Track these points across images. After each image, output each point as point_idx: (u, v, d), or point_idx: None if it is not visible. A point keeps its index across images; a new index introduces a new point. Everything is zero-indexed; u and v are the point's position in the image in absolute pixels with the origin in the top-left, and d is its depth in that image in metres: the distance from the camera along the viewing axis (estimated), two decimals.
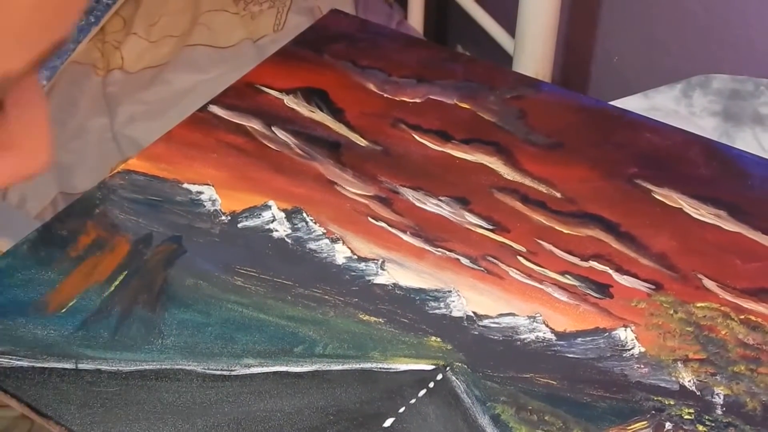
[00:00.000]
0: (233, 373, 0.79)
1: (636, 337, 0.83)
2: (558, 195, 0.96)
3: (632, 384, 0.79)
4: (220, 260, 0.89)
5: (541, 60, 1.50)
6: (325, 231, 0.92)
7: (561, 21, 1.50)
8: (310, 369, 0.80)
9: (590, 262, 0.89)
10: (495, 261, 0.89)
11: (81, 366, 0.80)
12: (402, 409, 0.77)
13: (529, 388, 0.79)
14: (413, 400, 0.78)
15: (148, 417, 0.76)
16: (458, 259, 0.90)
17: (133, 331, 0.82)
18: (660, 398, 0.78)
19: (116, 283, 0.86)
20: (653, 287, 0.87)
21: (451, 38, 2.03)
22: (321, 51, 1.15)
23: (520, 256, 0.90)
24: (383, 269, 0.88)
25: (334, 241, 0.91)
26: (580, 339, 0.83)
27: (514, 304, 0.85)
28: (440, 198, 0.96)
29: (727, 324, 0.84)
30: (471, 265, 0.89)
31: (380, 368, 0.80)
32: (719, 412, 0.78)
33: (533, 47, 1.50)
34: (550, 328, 0.84)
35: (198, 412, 0.77)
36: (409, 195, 0.96)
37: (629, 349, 0.82)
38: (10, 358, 0.80)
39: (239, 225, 0.93)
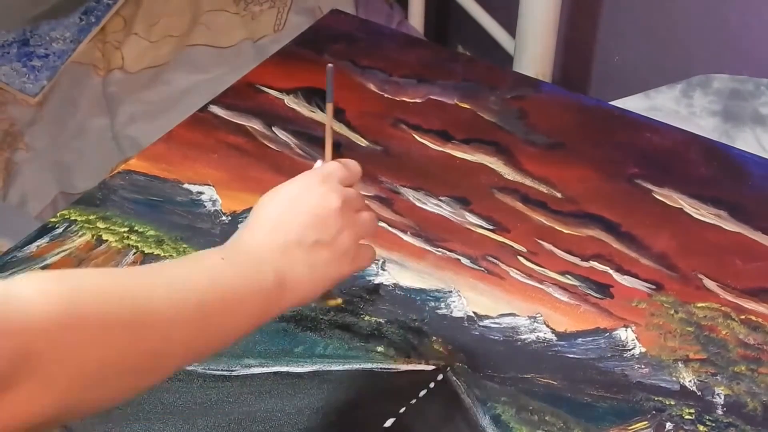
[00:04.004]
0: (234, 373, 0.79)
1: (636, 338, 0.83)
2: (558, 195, 0.96)
3: (633, 384, 0.79)
4: None
5: (541, 60, 1.51)
6: None
7: (561, 21, 1.50)
8: (310, 369, 0.80)
9: (591, 262, 0.89)
10: (495, 261, 0.89)
11: None
12: (402, 410, 0.77)
13: (530, 389, 0.79)
14: (414, 401, 0.78)
15: (149, 417, 0.76)
16: (459, 259, 0.90)
17: None
18: (661, 398, 0.78)
19: None
20: (654, 287, 0.87)
21: (451, 38, 2.03)
22: (321, 51, 1.15)
23: (521, 256, 0.90)
24: (384, 269, 0.88)
25: None
26: (580, 339, 0.83)
27: (514, 305, 0.85)
28: (441, 198, 0.96)
29: (728, 324, 0.84)
30: (471, 265, 0.89)
31: (381, 368, 0.80)
32: (720, 412, 0.77)
33: (534, 47, 1.50)
34: (551, 329, 0.84)
35: (198, 412, 0.76)
36: (410, 195, 0.96)
37: (630, 350, 0.82)
38: None
39: (240, 225, 0.92)
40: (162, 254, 0.89)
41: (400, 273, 0.88)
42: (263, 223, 0.68)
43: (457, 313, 0.85)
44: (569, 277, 0.88)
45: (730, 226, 0.93)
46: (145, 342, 0.56)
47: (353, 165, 0.75)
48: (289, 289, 0.66)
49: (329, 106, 0.74)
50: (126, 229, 0.92)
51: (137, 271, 0.66)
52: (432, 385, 0.79)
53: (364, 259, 0.73)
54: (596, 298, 0.86)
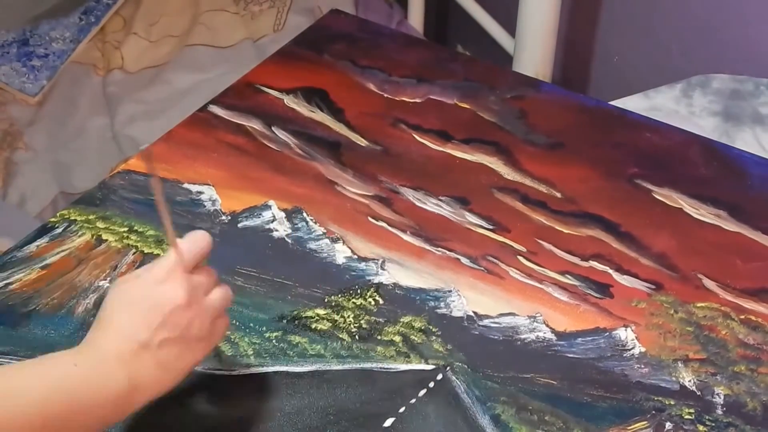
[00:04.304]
0: (233, 373, 0.79)
1: (636, 337, 0.83)
2: (558, 195, 0.96)
3: (632, 384, 0.79)
4: (220, 260, 0.88)
5: (541, 60, 1.50)
6: (325, 231, 0.92)
7: (561, 21, 1.50)
8: (310, 369, 0.80)
9: (590, 262, 0.89)
10: (495, 261, 0.89)
11: None
12: (402, 409, 0.77)
13: (530, 388, 0.79)
14: (413, 400, 0.78)
15: (149, 417, 0.76)
16: (458, 259, 0.89)
17: None
18: (660, 398, 0.78)
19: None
20: (653, 287, 0.87)
21: (451, 38, 2.03)
22: (321, 51, 1.15)
23: (521, 255, 0.90)
24: (383, 269, 0.88)
25: (334, 240, 0.91)
26: (580, 339, 0.83)
27: (514, 304, 0.85)
28: (440, 198, 0.96)
29: (728, 324, 0.84)
30: (471, 264, 0.89)
31: (380, 368, 0.80)
32: (719, 411, 0.77)
33: (533, 47, 1.49)
34: (551, 328, 0.84)
35: (198, 411, 0.76)
36: (410, 195, 0.96)
37: (629, 349, 0.82)
38: (11, 358, 0.80)
39: (239, 225, 0.92)
40: (161, 254, 0.89)
41: (399, 272, 0.88)
42: (114, 326, 0.69)
43: (456, 313, 0.85)
44: (569, 276, 0.88)
45: (730, 225, 0.93)
46: None
47: (200, 239, 0.74)
48: (142, 390, 0.68)
49: (155, 183, 0.71)
50: (126, 228, 0.92)
51: None
52: (432, 384, 0.79)
53: (219, 335, 0.73)
54: (596, 297, 0.86)
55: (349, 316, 0.84)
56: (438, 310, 0.85)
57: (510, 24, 1.57)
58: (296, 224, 0.92)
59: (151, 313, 0.69)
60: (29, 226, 1.02)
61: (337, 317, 0.84)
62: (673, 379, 0.80)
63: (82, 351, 0.67)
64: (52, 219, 0.93)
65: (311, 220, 0.93)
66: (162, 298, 0.69)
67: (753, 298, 0.86)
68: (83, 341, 0.68)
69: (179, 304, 0.69)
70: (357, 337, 0.82)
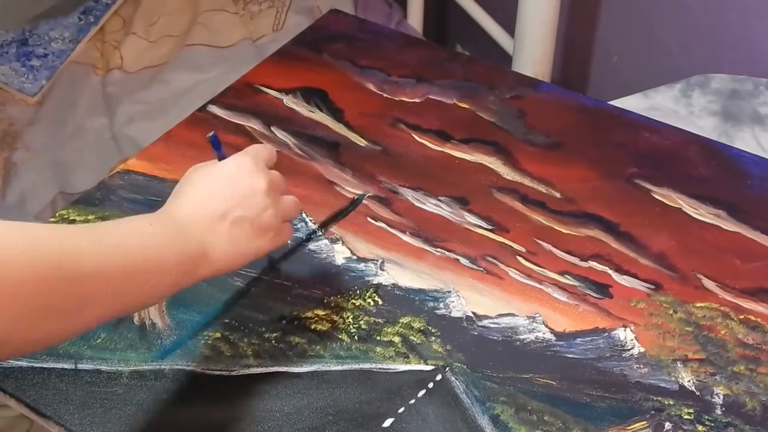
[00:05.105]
0: (233, 373, 0.79)
1: (635, 337, 0.83)
2: (557, 195, 0.96)
3: (632, 384, 0.79)
4: None
5: (540, 60, 1.51)
6: (324, 231, 0.92)
7: (560, 21, 1.50)
8: (309, 369, 0.80)
9: (590, 262, 0.89)
10: (494, 261, 0.89)
11: (80, 366, 0.80)
12: (401, 410, 0.77)
13: (529, 389, 0.79)
14: (413, 401, 0.78)
15: (148, 416, 0.76)
16: (458, 260, 0.89)
17: (132, 332, 0.82)
18: (659, 398, 0.78)
19: None
20: (653, 287, 0.87)
21: (450, 38, 2.03)
22: (320, 51, 1.15)
23: (520, 256, 0.90)
24: (383, 269, 0.88)
25: (333, 241, 0.91)
26: (579, 339, 0.83)
27: (513, 305, 0.85)
28: (439, 198, 0.96)
29: (727, 324, 0.84)
30: (470, 265, 0.89)
31: (380, 369, 0.80)
32: (719, 411, 0.77)
33: (533, 47, 1.50)
34: (550, 329, 0.84)
35: (198, 411, 0.76)
36: (409, 195, 0.96)
37: (629, 349, 0.82)
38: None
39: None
40: None
41: (398, 273, 0.88)
42: (194, 197, 0.73)
43: (456, 313, 0.85)
44: (568, 277, 0.88)
45: (729, 225, 0.93)
46: (66, 288, 0.59)
47: (271, 148, 0.81)
48: (211, 260, 0.71)
49: None
50: None
51: (66, 227, 0.69)
52: (431, 385, 0.79)
53: (284, 237, 0.79)
54: (595, 298, 0.86)
55: (348, 317, 0.84)
56: (437, 311, 0.85)
57: (509, 24, 1.57)
58: (296, 225, 0.92)
59: (231, 191, 0.74)
60: None
61: (336, 318, 0.84)
62: (673, 379, 0.80)
63: (158, 215, 0.71)
64: (51, 219, 0.93)
65: (310, 220, 0.93)
66: (243, 181, 0.75)
67: (752, 297, 0.86)
68: (158, 211, 0.71)
69: (259, 189, 0.75)
70: (356, 337, 0.82)
